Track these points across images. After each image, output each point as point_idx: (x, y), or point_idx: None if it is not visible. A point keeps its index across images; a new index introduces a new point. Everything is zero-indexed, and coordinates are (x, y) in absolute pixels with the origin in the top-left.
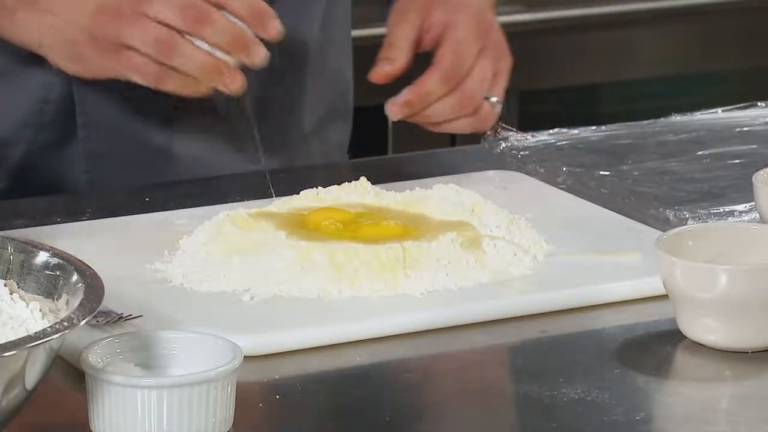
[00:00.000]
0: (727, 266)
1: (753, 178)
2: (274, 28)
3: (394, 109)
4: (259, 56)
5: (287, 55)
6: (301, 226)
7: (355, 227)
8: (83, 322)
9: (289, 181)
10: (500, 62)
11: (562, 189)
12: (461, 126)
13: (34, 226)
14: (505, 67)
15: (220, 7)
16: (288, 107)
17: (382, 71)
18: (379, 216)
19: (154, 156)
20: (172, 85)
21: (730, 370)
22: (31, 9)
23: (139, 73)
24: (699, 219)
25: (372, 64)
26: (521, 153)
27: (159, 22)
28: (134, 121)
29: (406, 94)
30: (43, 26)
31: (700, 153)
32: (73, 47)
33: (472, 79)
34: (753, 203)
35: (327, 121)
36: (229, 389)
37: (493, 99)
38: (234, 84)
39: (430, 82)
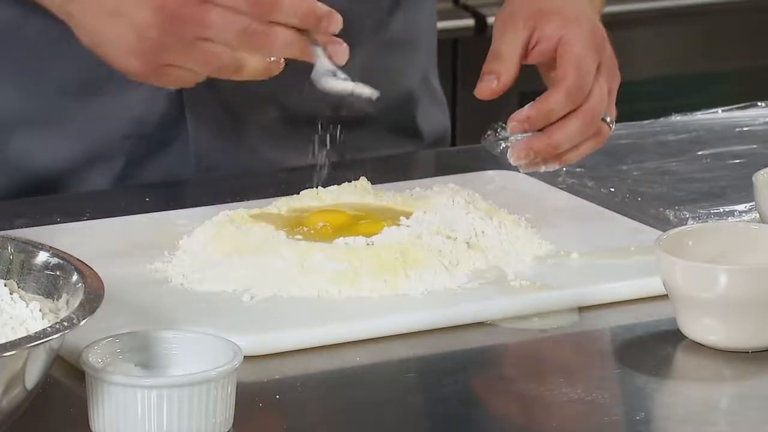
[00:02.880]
0: (727, 266)
1: (753, 178)
2: (335, 22)
3: (513, 125)
4: (337, 22)
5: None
6: (301, 226)
7: (354, 228)
8: (83, 322)
9: (290, 181)
10: (613, 80)
11: (562, 189)
12: (585, 150)
13: (34, 226)
14: (616, 86)
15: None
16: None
17: (488, 88)
18: (379, 216)
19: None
20: (249, 73)
21: (730, 370)
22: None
23: (213, 65)
24: (699, 219)
25: None
26: None
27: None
28: (238, 123)
29: (527, 110)
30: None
31: (700, 153)
32: (137, 41)
33: (593, 98)
34: (753, 203)
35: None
36: (229, 389)
37: (608, 119)
38: (334, 26)
39: (554, 99)
